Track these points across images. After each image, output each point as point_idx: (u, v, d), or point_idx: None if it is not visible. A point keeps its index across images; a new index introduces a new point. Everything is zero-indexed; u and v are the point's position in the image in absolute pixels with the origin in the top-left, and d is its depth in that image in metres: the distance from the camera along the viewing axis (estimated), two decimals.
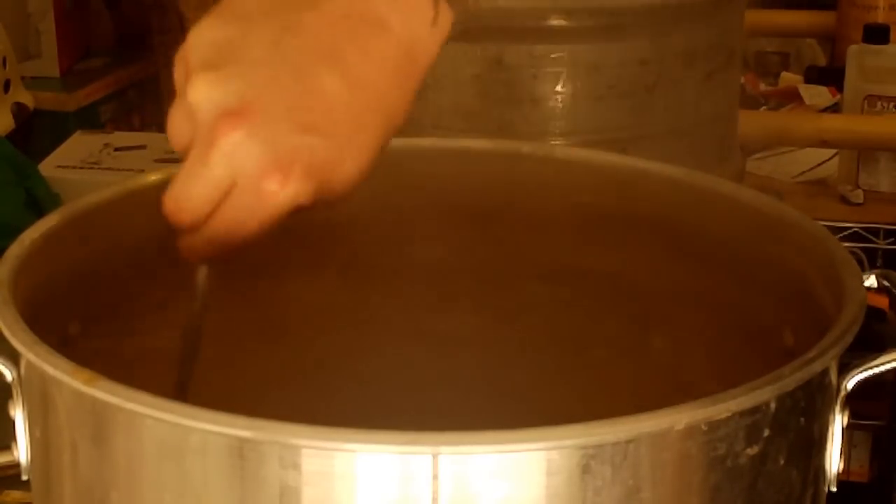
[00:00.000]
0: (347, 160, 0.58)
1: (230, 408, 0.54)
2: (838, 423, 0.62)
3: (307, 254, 0.82)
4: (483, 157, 0.81)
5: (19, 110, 1.73)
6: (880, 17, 1.86)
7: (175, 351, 0.65)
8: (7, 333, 0.60)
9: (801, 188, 1.66)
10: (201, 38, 0.58)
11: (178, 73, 0.59)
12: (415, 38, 0.60)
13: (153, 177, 0.78)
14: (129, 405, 0.55)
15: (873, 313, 0.65)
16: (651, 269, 0.80)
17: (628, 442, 0.54)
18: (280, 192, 0.57)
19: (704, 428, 0.55)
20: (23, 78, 1.79)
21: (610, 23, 1.04)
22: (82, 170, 1.43)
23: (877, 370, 0.63)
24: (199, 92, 0.57)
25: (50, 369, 0.58)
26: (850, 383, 0.62)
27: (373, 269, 0.83)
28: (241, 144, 0.56)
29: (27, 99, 1.76)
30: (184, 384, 0.65)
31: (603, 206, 0.81)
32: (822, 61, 2.15)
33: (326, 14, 0.58)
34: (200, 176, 0.58)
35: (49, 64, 1.87)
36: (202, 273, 0.64)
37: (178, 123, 0.58)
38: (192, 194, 0.59)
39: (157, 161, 1.43)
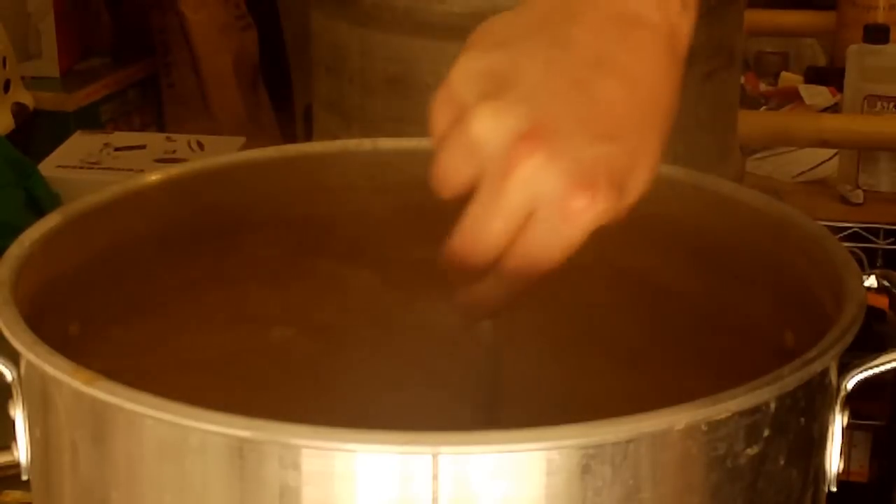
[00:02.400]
0: (641, 162, 0.56)
1: (227, 408, 0.54)
2: (838, 423, 0.62)
3: (307, 253, 0.82)
4: None
5: (19, 110, 1.73)
6: (880, 17, 1.86)
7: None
8: (7, 333, 0.60)
9: (801, 188, 1.67)
10: (468, 72, 0.56)
11: (440, 115, 0.57)
12: (672, 26, 0.59)
13: (153, 177, 0.78)
14: (129, 405, 0.55)
15: (873, 313, 0.65)
16: (650, 269, 0.80)
17: (628, 442, 0.54)
18: (590, 209, 0.54)
19: (704, 428, 0.55)
20: (23, 78, 1.78)
21: None
22: (82, 170, 1.42)
23: (877, 370, 0.63)
24: (485, 123, 0.54)
25: (50, 369, 0.58)
26: (850, 383, 0.62)
27: (373, 268, 0.83)
28: (543, 166, 0.53)
29: (27, 99, 1.76)
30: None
31: None
32: (822, 61, 2.16)
33: (589, 22, 0.57)
34: (497, 208, 0.54)
35: (49, 64, 1.87)
36: (487, 328, 0.60)
37: (455, 166, 0.56)
38: (488, 230, 0.55)
39: (157, 161, 1.42)
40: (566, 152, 0.54)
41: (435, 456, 0.53)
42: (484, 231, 0.55)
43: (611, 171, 0.55)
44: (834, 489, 0.64)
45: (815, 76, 1.95)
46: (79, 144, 1.49)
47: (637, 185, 0.56)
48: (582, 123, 0.54)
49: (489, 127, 0.54)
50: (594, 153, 0.54)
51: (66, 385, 0.57)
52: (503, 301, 0.59)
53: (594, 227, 0.55)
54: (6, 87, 1.72)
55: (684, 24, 0.60)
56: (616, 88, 0.55)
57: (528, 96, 0.54)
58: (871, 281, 0.69)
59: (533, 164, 0.53)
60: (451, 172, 0.57)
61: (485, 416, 0.64)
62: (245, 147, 1.44)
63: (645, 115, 0.56)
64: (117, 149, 1.47)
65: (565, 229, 0.55)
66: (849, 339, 0.60)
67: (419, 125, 1.03)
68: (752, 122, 1.47)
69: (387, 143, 0.84)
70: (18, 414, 0.63)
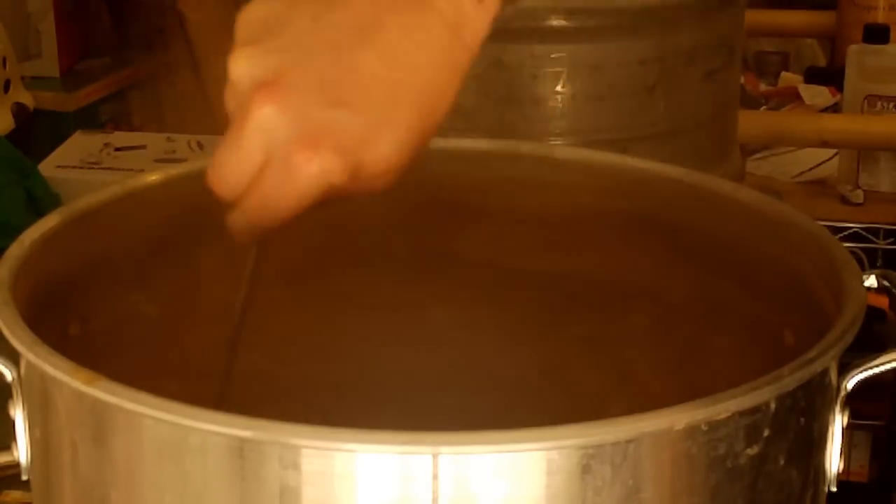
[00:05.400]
0: (382, 139, 0.57)
1: (227, 408, 0.54)
2: (838, 423, 0.62)
3: (307, 253, 0.82)
4: (483, 157, 0.81)
5: (19, 110, 1.73)
6: (880, 17, 1.86)
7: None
8: (7, 333, 0.60)
9: (801, 188, 1.67)
10: (248, 15, 0.58)
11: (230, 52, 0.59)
12: (461, 16, 0.58)
13: (153, 177, 0.78)
14: (129, 405, 0.55)
15: (873, 313, 0.65)
16: (651, 269, 0.80)
17: (628, 442, 0.54)
18: (308, 166, 0.56)
19: (704, 428, 0.55)
20: (23, 78, 1.78)
21: (610, 23, 1.04)
22: (82, 170, 1.42)
23: (877, 370, 0.63)
24: (237, 66, 0.57)
25: (50, 369, 0.58)
26: (850, 383, 0.62)
27: (372, 268, 0.83)
28: (271, 117, 0.56)
29: (27, 99, 1.76)
30: (228, 364, 0.66)
31: (603, 206, 0.81)
32: (822, 61, 2.16)
33: None
34: (236, 148, 0.58)
35: (49, 64, 1.87)
36: (251, 254, 0.64)
37: (227, 99, 0.59)
38: (229, 166, 0.58)
39: (157, 161, 1.42)
40: (297, 108, 0.56)
41: (435, 456, 0.53)
42: (225, 166, 0.59)
43: (340, 136, 0.56)
44: (834, 489, 0.63)
45: (815, 76, 1.95)
46: (79, 144, 1.49)
47: (376, 159, 0.57)
48: (324, 85, 0.56)
49: (240, 70, 0.57)
50: (325, 115, 0.56)
51: (66, 385, 0.57)
52: (252, 232, 0.61)
53: (319, 186, 0.57)
54: (6, 87, 1.72)
55: (478, 18, 0.59)
56: (372, 61, 0.56)
57: (282, 48, 0.57)
58: (871, 281, 0.69)
59: (264, 113, 0.56)
60: (227, 106, 0.59)
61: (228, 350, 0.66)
62: None
63: (397, 94, 0.57)
64: (117, 149, 1.47)
65: (290, 181, 0.57)
66: (849, 339, 0.60)
67: None
68: (752, 122, 1.47)
69: None
70: (18, 414, 0.63)
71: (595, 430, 0.54)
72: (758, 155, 1.71)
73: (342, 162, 0.57)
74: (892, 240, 1.53)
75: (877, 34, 1.69)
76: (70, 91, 1.84)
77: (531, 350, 0.82)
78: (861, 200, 1.61)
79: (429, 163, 0.83)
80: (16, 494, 0.92)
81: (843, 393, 0.62)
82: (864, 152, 1.62)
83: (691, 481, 0.56)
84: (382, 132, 0.57)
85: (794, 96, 1.89)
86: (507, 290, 0.83)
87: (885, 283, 0.69)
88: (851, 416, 0.63)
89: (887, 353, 0.63)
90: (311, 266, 0.83)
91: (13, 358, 0.62)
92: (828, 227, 0.72)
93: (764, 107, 1.89)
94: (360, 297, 0.83)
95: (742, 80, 1.56)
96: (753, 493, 0.58)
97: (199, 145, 1.48)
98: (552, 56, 1.02)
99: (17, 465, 0.64)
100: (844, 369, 0.62)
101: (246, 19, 0.58)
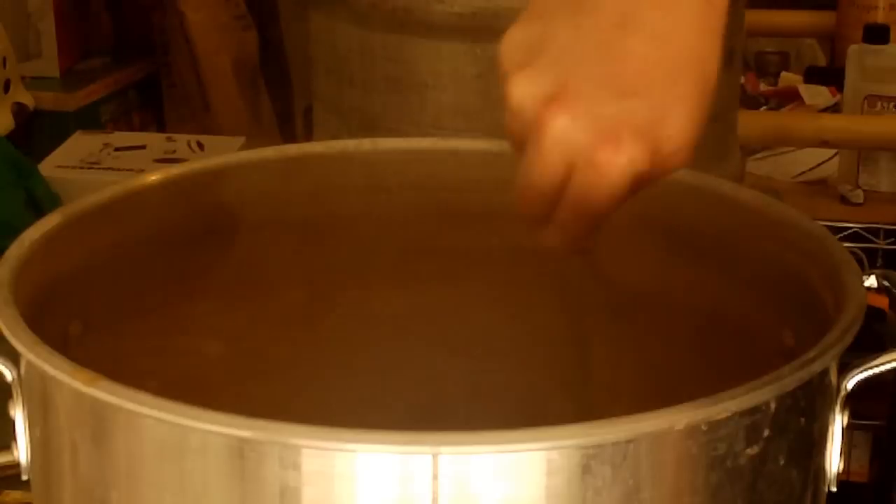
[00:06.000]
0: (672, 115, 0.59)
1: (228, 408, 0.54)
2: (838, 423, 0.62)
3: (307, 253, 0.82)
4: (483, 157, 0.81)
5: (19, 110, 1.73)
6: (880, 17, 1.86)
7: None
8: (7, 333, 0.60)
9: (801, 188, 1.66)
10: (510, 44, 0.60)
11: (502, 80, 0.61)
12: None
13: (153, 177, 0.78)
14: (129, 405, 0.55)
15: (873, 313, 0.65)
16: (651, 269, 0.80)
17: (628, 442, 0.54)
18: (615, 160, 0.58)
19: (704, 428, 0.55)
20: (23, 78, 1.78)
21: None
22: (82, 170, 1.42)
23: (877, 370, 0.63)
24: (519, 90, 0.59)
25: (50, 369, 0.58)
26: (850, 383, 0.62)
27: (373, 268, 0.83)
28: (567, 126, 0.58)
29: (27, 99, 1.76)
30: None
31: None
32: (822, 61, 2.16)
33: None
34: (538, 165, 0.60)
35: (49, 64, 1.87)
36: (575, 266, 0.67)
37: (511, 129, 0.61)
38: (538, 185, 0.61)
39: (157, 161, 1.42)
40: (587, 111, 0.58)
41: (435, 456, 0.53)
42: (532, 186, 0.61)
43: (635, 123, 0.58)
44: (834, 489, 0.63)
45: (815, 76, 1.95)
46: (79, 144, 1.49)
47: (672, 135, 0.59)
48: (605, 82, 0.58)
49: (522, 94, 0.59)
50: (616, 108, 0.58)
51: (66, 385, 0.57)
52: (571, 243, 0.64)
53: (628, 176, 0.59)
54: (6, 87, 1.72)
55: None
56: (641, 45, 0.58)
57: (556, 62, 0.59)
58: (871, 281, 0.69)
59: (559, 126, 0.58)
60: (511, 138, 0.61)
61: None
62: (245, 147, 1.44)
63: (673, 70, 0.59)
64: (117, 149, 1.47)
65: (599, 179, 0.59)
66: (849, 339, 0.60)
67: (419, 125, 1.04)
68: (752, 122, 1.47)
69: (387, 143, 0.84)
70: (18, 414, 0.63)
71: (595, 430, 0.54)
72: (758, 155, 1.71)
73: (644, 147, 0.58)
74: (892, 240, 1.52)
75: (877, 34, 1.69)
76: (70, 91, 1.84)
77: (531, 350, 0.82)
78: (861, 200, 1.60)
79: (429, 163, 0.84)
80: (16, 494, 0.92)
81: (843, 393, 0.62)
82: (864, 152, 1.62)
83: (691, 481, 0.56)
84: (671, 109, 0.59)
85: (794, 96, 1.89)
86: (508, 289, 0.83)
87: (885, 283, 0.69)
88: (851, 416, 0.63)
89: (887, 353, 0.63)
90: (312, 265, 0.83)
91: (13, 358, 0.62)
92: (828, 227, 0.72)
93: (764, 107, 1.89)
94: (359, 297, 0.83)
95: (742, 80, 1.56)
96: (753, 493, 0.58)
97: (199, 145, 1.48)
98: None
99: (17, 465, 0.64)
100: (844, 369, 0.62)
101: (509, 47, 0.60)
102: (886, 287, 0.69)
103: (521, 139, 0.60)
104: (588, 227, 0.62)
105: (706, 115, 0.60)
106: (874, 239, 1.52)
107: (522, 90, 0.59)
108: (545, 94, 0.58)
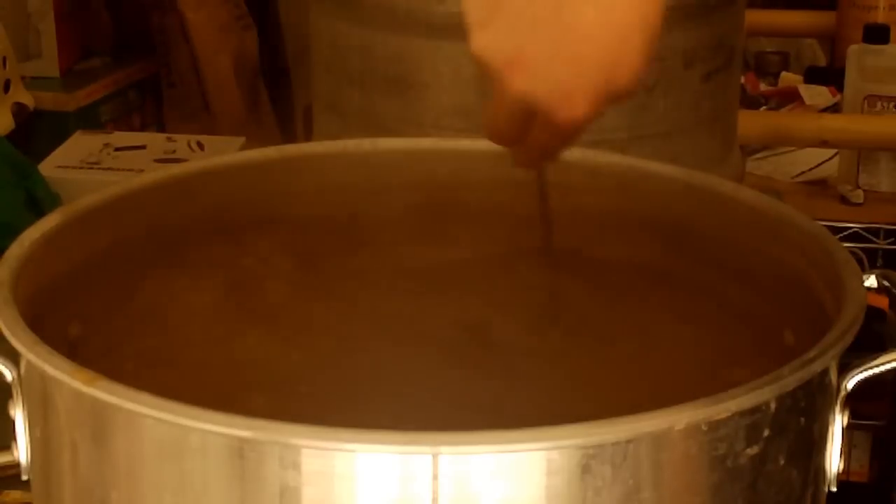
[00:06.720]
0: (623, 66, 0.63)
1: (227, 408, 0.54)
2: (838, 423, 0.62)
3: (307, 253, 0.82)
4: (483, 157, 0.81)
5: (19, 110, 1.73)
6: (880, 17, 1.86)
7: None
8: (7, 333, 0.60)
9: (801, 188, 1.66)
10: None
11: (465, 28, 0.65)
12: None
13: (153, 177, 0.78)
14: (129, 405, 0.55)
15: (873, 313, 0.65)
16: (651, 269, 0.80)
17: (628, 442, 0.54)
18: (573, 115, 0.63)
19: (704, 428, 0.55)
20: (23, 78, 1.78)
21: None
22: (82, 170, 1.42)
23: (877, 370, 0.63)
24: (481, 46, 0.64)
25: (50, 369, 0.58)
26: (850, 383, 0.62)
27: (373, 267, 0.83)
28: (526, 90, 0.63)
29: (27, 99, 1.76)
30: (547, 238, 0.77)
31: (603, 206, 0.81)
32: (822, 61, 2.15)
33: None
34: (502, 115, 0.66)
35: (49, 64, 1.86)
36: (538, 172, 0.75)
37: (477, 64, 0.65)
38: (503, 127, 0.67)
39: (157, 161, 1.42)
40: (545, 77, 0.63)
41: (435, 456, 0.53)
42: (498, 128, 0.67)
43: (587, 82, 0.63)
44: (834, 489, 0.64)
45: (815, 76, 1.95)
46: (79, 144, 1.49)
47: (624, 74, 0.63)
48: (558, 48, 0.63)
49: (482, 52, 0.64)
50: (569, 72, 0.63)
51: (66, 385, 0.57)
52: (538, 161, 0.72)
53: (589, 118, 0.64)
54: (6, 87, 1.72)
55: None
56: (590, 10, 0.62)
57: (513, 26, 0.63)
58: (871, 281, 0.69)
59: (518, 88, 0.63)
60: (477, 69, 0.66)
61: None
62: (245, 147, 1.43)
63: (620, 32, 0.63)
64: (117, 149, 1.47)
65: (557, 130, 0.65)
66: (849, 339, 0.60)
67: (419, 125, 1.04)
68: (752, 122, 1.47)
69: (387, 143, 0.84)
70: (18, 414, 0.63)
71: (595, 430, 0.54)
72: (758, 155, 1.71)
73: (597, 97, 0.63)
74: (892, 240, 1.52)
75: (877, 34, 1.69)
76: (70, 91, 1.84)
77: (532, 350, 0.82)
78: (861, 200, 1.60)
79: (429, 163, 0.84)
80: (16, 494, 0.92)
81: (843, 393, 0.62)
82: (864, 152, 1.62)
83: (691, 481, 0.56)
84: (623, 61, 0.63)
85: (794, 96, 1.89)
86: (508, 289, 0.83)
87: (885, 283, 0.69)
88: (851, 416, 0.63)
89: (887, 353, 0.63)
90: (311, 267, 0.83)
91: (13, 358, 0.62)
92: (828, 227, 0.72)
93: (764, 107, 1.89)
94: (359, 297, 0.83)
95: (742, 80, 1.56)
96: (753, 493, 0.58)
97: (200, 145, 1.47)
98: None
99: (17, 465, 0.64)
100: (844, 369, 0.62)
101: (468, 3, 0.64)
102: (886, 287, 0.69)
103: (484, 76, 0.65)
104: (552, 154, 0.69)
105: (655, 42, 0.64)
106: (874, 239, 1.52)
107: (484, 47, 0.63)
108: (505, 57, 0.63)
